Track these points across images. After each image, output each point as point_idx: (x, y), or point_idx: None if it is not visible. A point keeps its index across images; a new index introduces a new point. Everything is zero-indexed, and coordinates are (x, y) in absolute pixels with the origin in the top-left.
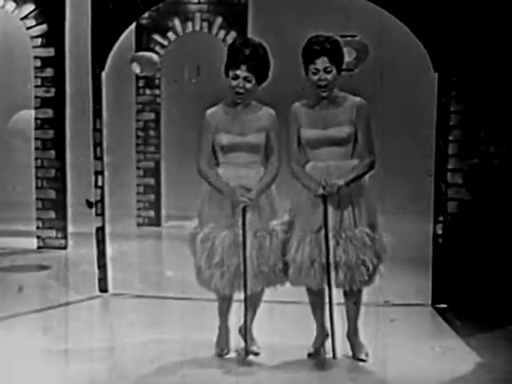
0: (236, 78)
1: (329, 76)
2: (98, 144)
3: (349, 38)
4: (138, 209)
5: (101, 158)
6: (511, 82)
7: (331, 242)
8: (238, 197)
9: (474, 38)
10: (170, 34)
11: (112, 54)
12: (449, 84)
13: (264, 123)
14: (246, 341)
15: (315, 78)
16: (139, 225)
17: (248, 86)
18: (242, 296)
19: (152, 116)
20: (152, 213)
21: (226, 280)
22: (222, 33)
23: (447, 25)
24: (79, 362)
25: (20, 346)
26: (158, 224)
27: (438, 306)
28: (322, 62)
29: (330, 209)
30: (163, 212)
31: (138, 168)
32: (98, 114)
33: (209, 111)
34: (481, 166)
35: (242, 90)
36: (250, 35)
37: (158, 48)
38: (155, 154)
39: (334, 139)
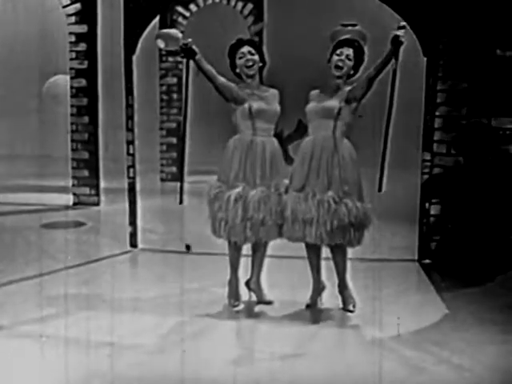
0: (243, 56)
1: (347, 62)
2: (129, 117)
3: (349, 28)
4: (162, 165)
5: (132, 130)
6: (489, 66)
7: (309, 202)
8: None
9: (458, 26)
10: (192, 6)
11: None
12: (436, 67)
13: (277, 98)
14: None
15: (336, 58)
16: (162, 180)
17: (255, 57)
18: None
19: (174, 80)
20: (174, 169)
21: (254, 229)
22: (240, 4)
23: (435, 15)
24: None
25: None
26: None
27: (423, 261)
28: (346, 50)
29: (312, 171)
30: (185, 168)
31: (161, 129)
32: (129, 91)
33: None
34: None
35: (250, 63)
36: (266, 7)
37: (180, 19)
38: (177, 115)
39: (323, 109)
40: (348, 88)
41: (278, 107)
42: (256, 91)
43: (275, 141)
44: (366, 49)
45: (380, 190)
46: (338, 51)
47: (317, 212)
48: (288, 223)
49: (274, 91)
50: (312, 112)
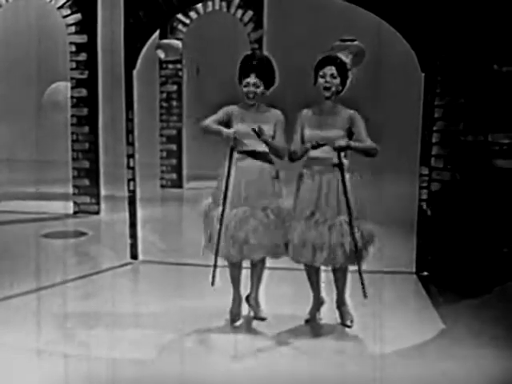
0: (247, 85)
1: (334, 81)
2: (130, 131)
3: (347, 43)
4: (162, 172)
5: (132, 144)
6: (486, 81)
7: (319, 227)
8: (229, 135)
9: (455, 42)
10: (192, 14)
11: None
12: (434, 82)
13: (272, 120)
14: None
15: (322, 80)
16: (162, 186)
17: (258, 90)
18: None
19: (174, 88)
20: (174, 176)
21: (237, 248)
22: (240, 12)
23: (433, 32)
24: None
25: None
26: (180, 186)
27: (421, 274)
28: (329, 70)
29: (321, 198)
30: (184, 174)
31: (161, 135)
32: (129, 106)
33: (230, 106)
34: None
35: (252, 95)
36: (265, 16)
37: (180, 26)
38: (177, 122)
39: (327, 139)
40: (347, 114)
41: (270, 130)
42: (253, 114)
43: (263, 163)
44: (349, 62)
45: (365, 296)
46: (321, 72)
47: (329, 237)
48: (295, 248)
49: (276, 112)
50: (313, 139)
